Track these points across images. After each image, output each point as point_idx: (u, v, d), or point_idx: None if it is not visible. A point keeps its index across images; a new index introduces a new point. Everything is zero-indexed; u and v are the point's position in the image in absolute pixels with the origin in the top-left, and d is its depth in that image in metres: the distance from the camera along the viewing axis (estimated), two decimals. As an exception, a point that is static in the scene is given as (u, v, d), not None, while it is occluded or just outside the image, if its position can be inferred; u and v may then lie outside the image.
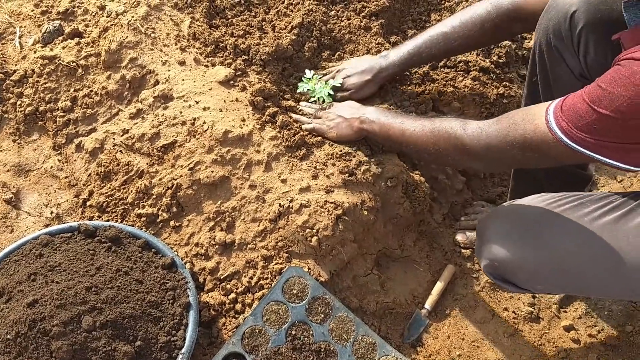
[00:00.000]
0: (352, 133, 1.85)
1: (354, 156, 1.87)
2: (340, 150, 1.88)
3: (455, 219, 2.09)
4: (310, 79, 2.00)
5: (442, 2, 2.32)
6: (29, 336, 1.45)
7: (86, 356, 1.45)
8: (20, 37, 2.46)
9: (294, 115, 1.94)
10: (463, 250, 2.01)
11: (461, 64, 2.11)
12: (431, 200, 2.02)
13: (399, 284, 1.91)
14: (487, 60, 2.12)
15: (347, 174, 1.84)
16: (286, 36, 2.07)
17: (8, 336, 1.46)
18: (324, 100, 1.98)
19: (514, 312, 1.89)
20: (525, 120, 1.34)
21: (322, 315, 1.68)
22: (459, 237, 2.02)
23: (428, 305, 1.85)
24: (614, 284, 1.38)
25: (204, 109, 1.91)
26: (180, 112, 1.92)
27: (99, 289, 1.54)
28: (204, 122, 1.88)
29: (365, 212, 1.83)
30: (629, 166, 1.22)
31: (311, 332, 1.66)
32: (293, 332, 1.66)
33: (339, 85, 1.98)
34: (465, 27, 1.79)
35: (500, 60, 2.14)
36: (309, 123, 1.90)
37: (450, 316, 1.88)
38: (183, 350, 1.56)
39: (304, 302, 1.68)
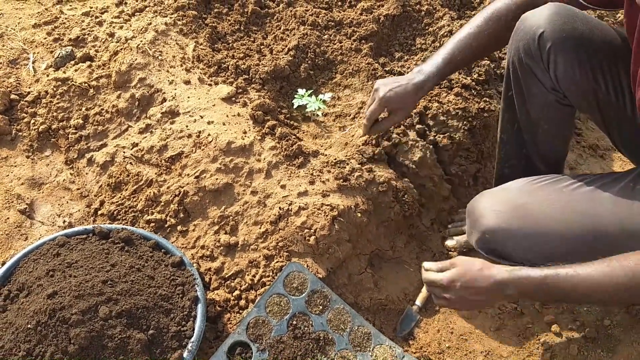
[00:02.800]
0: (489, 305, 1.77)
1: (348, 164, 2.03)
2: (335, 159, 2.03)
3: (443, 224, 2.23)
4: (302, 95, 2.17)
5: (427, 27, 2.52)
6: (49, 324, 1.56)
7: (102, 342, 1.56)
8: (33, 62, 2.63)
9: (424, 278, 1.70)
10: (451, 253, 2.15)
11: (444, 81, 2.30)
12: (420, 206, 2.17)
13: (391, 282, 2.04)
14: (469, 78, 2.31)
15: (341, 180, 1.99)
16: (283, 57, 2.26)
17: (29, 325, 1.57)
18: (318, 109, 2.14)
19: (499, 308, 2.01)
20: None
21: (321, 307, 1.81)
22: (449, 243, 2.16)
23: (419, 301, 1.97)
24: (594, 248, 1.52)
25: (209, 122, 2.07)
26: (187, 126, 2.08)
27: (114, 283, 1.66)
28: (209, 134, 2.03)
29: (359, 215, 1.98)
30: None
31: (311, 322, 1.78)
32: (294, 322, 1.78)
33: (329, 99, 2.15)
34: (489, 23, 1.83)
35: (480, 78, 2.32)
36: (437, 297, 1.64)
37: (440, 312, 2.01)
38: (192, 339, 1.68)
39: (303, 294, 1.81)
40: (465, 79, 2.31)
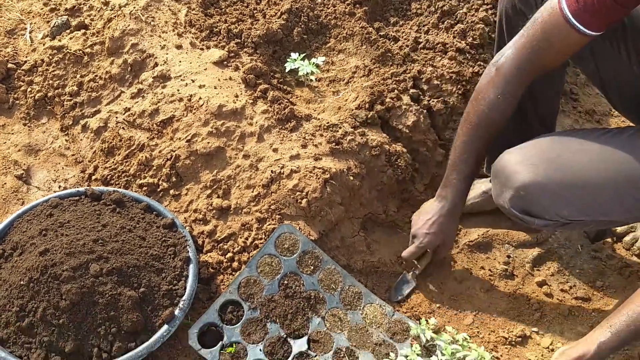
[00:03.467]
0: None
1: (340, 127, 2.03)
2: (328, 123, 2.03)
3: (436, 189, 2.22)
4: (295, 59, 2.17)
5: (422, -8, 2.49)
6: (41, 281, 1.58)
7: (94, 299, 1.59)
8: (30, 32, 2.64)
9: None
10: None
11: (439, 45, 2.28)
12: (413, 171, 2.17)
13: (384, 246, 2.05)
14: (463, 42, 2.29)
15: (334, 143, 1.99)
16: (276, 21, 2.24)
17: (22, 282, 1.60)
18: (310, 72, 2.13)
19: (490, 270, 2.02)
20: None
21: (312, 267, 1.82)
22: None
23: (417, 269, 1.94)
24: (630, 196, 1.50)
25: (200, 86, 2.07)
26: (178, 90, 2.08)
27: (105, 242, 1.68)
28: (200, 98, 2.04)
29: (351, 178, 1.98)
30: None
31: (302, 282, 1.80)
32: (285, 282, 1.79)
33: (322, 63, 2.16)
34: (488, 124, 1.70)
35: (475, 42, 2.30)
36: None
37: (431, 274, 2.01)
38: (184, 297, 1.70)
39: (294, 255, 1.82)
40: (460, 42, 2.29)
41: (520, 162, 1.59)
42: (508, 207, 1.62)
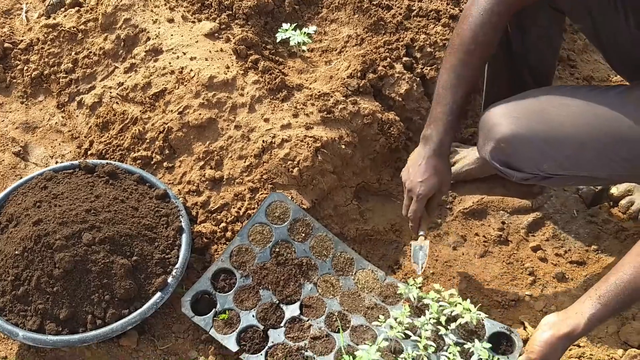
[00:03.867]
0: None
1: (332, 97, 2.03)
2: (319, 92, 2.03)
3: (431, 157, 2.22)
4: (287, 29, 2.16)
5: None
6: (35, 250, 1.61)
7: (87, 267, 1.61)
8: (26, 12, 2.66)
9: None
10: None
11: (432, 12, 2.26)
12: (407, 139, 2.17)
13: (378, 214, 2.06)
14: (457, 9, 2.27)
15: (325, 112, 1.99)
16: (267, -8, 2.24)
17: (16, 252, 1.63)
18: (302, 42, 2.12)
19: (484, 236, 2.02)
20: None
21: (303, 235, 1.83)
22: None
23: (422, 231, 1.77)
24: (613, 153, 1.49)
25: (191, 58, 2.08)
26: (169, 63, 2.09)
27: (97, 212, 1.71)
28: (191, 70, 2.04)
29: (343, 147, 1.98)
30: None
31: (293, 249, 1.81)
32: (277, 249, 1.81)
33: (313, 32, 2.14)
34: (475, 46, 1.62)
35: (468, 8, 2.27)
36: None
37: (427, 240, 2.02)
38: (177, 265, 1.72)
39: (285, 223, 1.83)
40: (453, 9, 2.26)
41: (504, 114, 1.59)
42: (489, 158, 1.63)
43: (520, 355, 1.51)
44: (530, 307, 1.84)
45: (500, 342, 1.62)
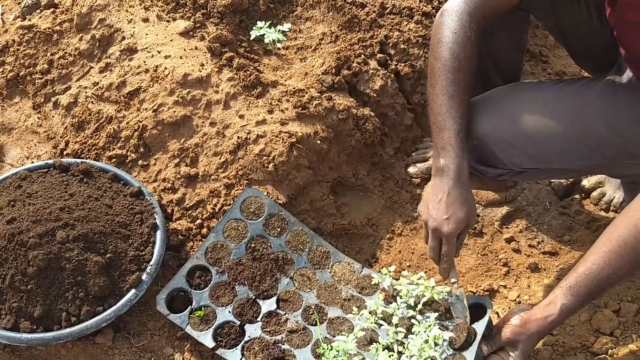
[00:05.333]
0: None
1: (307, 93, 2.04)
2: (294, 88, 2.05)
3: (407, 153, 2.25)
4: (261, 27, 2.17)
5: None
6: (8, 248, 1.61)
7: (60, 264, 1.61)
8: (2, 14, 2.65)
9: None
10: (414, 180, 2.17)
11: (405, 10, 2.28)
12: (383, 135, 2.19)
13: (354, 209, 2.07)
14: (429, 6, 2.30)
15: (300, 108, 2.01)
16: (241, -10, 2.25)
17: (-10, 251, 1.62)
18: (277, 41, 2.13)
19: (460, 228, 2.04)
20: None
21: (279, 229, 1.85)
22: (411, 170, 2.18)
23: (453, 278, 1.62)
24: (582, 144, 1.53)
25: (166, 57, 2.08)
26: (144, 62, 2.09)
27: (71, 210, 1.71)
28: (165, 68, 2.05)
29: (319, 142, 2.00)
30: None
31: (269, 244, 1.82)
32: (252, 245, 1.82)
33: (288, 30, 2.15)
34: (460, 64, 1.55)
35: (441, 5, 2.30)
36: None
37: (402, 235, 2.04)
38: (151, 262, 1.73)
39: (261, 218, 1.84)
40: (426, 6, 2.29)
41: (474, 113, 1.61)
42: None
43: (491, 330, 1.53)
44: (504, 297, 1.87)
45: (478, 314, 1.57)
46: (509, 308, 1.81)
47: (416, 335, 1.52)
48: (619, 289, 1.80)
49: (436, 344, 1.49)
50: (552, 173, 1.73)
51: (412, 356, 1.47)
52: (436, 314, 1.57)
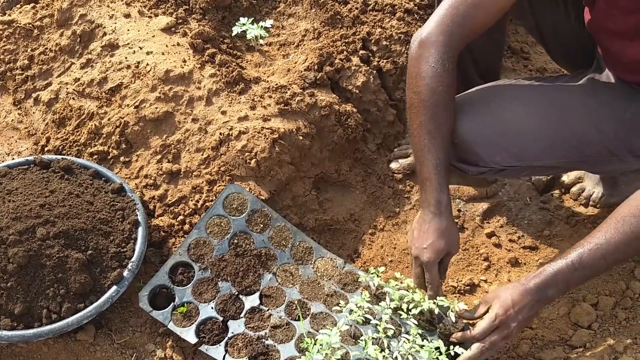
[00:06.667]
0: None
1: (289, 89, 2.05)
2: (276, 84, 2.05)
3: (389, 149, 2.26)
4: (244, 23, 2.17)
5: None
6: (-12, 246, 1.60)
7: (41, 261, 1.60)
8: (-20, 9, 2.61)
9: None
10: (396, 175, 2.18)
11: (387, 7, 2.29)
12: (365, 131, 2.20)
13: (337, 204, 2.08)
14: (411, 3, 2.31)
15: (282, 104, 2.01)
16: (223, -14, 2.25)
17: (-31, 249, 1.61)
18: (260, 37, 2.14)
19: (442, 224, 2.06)
20: None
21: (262, 226, 1.85)
22: (393, 165, 2.20)
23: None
24: (562, 141, 1.54)
25: (147, 53, 2.07)
26: (126, 58, 2.08)
27: (52, 207, 1.70)
28: (147, 64, 2.04)
29: (301, 138, 2.00)
30: None
31: (252, 240, 1.83)
32: (235, 241, 1.82)
33: (270, 26, 2.15)
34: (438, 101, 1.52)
35: (422, 2, 2.32)
36: (499, 340, 1.47)
37: (384, 230, 2.05)
38: (133, 259, 1.72)
39: (243, 214, 1.84)
40: (408, 3, 2.31)
41: (455, 111, 1.62)
42: None
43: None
44: (485, 291, 1.89)
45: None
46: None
47: (412, 336, 1.54)
48: (597, 282, 1.83)
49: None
50: (533, 170, 1.75)
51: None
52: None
